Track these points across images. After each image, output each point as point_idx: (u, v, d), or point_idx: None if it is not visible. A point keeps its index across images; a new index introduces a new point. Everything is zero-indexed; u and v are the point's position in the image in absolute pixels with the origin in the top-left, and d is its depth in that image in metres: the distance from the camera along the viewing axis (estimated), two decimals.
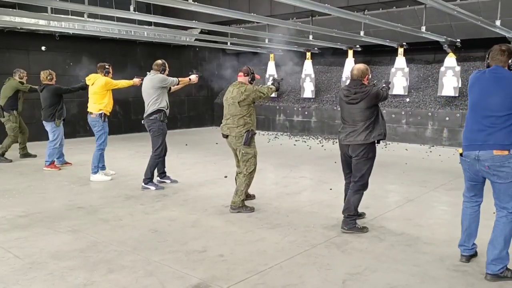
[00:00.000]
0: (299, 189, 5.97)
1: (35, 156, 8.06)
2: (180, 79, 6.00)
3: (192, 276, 3.18)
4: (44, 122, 7.06)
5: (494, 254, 3.09)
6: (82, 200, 5.29)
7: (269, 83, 5.17)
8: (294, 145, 10.32)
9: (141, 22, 9.55)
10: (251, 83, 4.82)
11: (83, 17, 7.54)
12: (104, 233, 4.13)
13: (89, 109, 6.36)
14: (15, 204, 5.11)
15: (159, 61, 5.85)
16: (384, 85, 4.40)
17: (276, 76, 12.94)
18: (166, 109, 5.79)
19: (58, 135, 7.02)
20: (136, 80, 6.45)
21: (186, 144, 9.72)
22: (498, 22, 7.78)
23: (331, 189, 5.85)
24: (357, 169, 4.12)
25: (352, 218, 4.14)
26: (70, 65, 10.66)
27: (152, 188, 5.79)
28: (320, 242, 3.88)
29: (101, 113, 6.25)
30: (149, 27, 9.53)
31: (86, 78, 6.44)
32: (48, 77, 7.07)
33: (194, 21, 8.51)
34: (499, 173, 3.05)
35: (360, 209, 4.35)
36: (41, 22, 8.95)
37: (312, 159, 8.39)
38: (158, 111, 5.69)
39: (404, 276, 3.20)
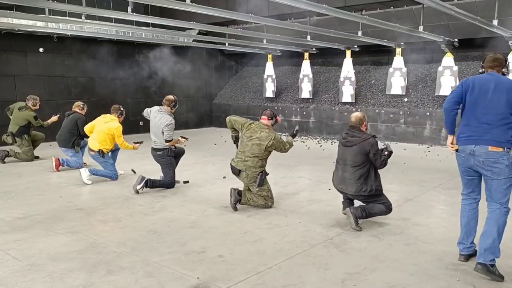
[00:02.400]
0: (298, 189, 5.98)
1: (37, 157, 8.06)
2: (173, 140, 5.84)
3: (191, 277, 3.18)
4: (62, 149, 7.14)
5: (487, 243, 3.12)
6: (81, 202, 5.29)
7: (289, 138, 5.27)
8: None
9: (139, 23, 9.55)
10: (273, 126, 5.03)
11: (81, 18, 7.53)
12: (103, 234, 4.14)
13: (89, 145, 6.38)
14: (14, 206, 5.10)
15: (171, 97, 5.91)
16: (384, 146, 4.25)
17: (273, 76, 12.94)
18: (174, 149, 5.91)
19: (81, 157, 7.20)
20: (136, 146, 6.55)
21: (185, 145, 9.69)
22: (495, 22, 7.81)
23: (329, 189, 5.85)
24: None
25: (363, 215, 4.22)
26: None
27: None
28: (319, 242, 3.89)
29: (100, 150, 6.28)
30: (147, 28, 9.53)
31: (102, 116, 6.47)
32: (80, 106, 7.28)
33: (192, 22, 8.50)
34: (493, 169, 3.12)
35: None
36: (39, 23, 8.93)
37: (311, 159, 8.40)
38: (165, 147, 5.79)
39: (403, 275, 3.21)
